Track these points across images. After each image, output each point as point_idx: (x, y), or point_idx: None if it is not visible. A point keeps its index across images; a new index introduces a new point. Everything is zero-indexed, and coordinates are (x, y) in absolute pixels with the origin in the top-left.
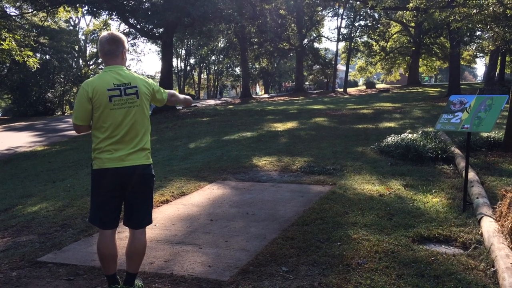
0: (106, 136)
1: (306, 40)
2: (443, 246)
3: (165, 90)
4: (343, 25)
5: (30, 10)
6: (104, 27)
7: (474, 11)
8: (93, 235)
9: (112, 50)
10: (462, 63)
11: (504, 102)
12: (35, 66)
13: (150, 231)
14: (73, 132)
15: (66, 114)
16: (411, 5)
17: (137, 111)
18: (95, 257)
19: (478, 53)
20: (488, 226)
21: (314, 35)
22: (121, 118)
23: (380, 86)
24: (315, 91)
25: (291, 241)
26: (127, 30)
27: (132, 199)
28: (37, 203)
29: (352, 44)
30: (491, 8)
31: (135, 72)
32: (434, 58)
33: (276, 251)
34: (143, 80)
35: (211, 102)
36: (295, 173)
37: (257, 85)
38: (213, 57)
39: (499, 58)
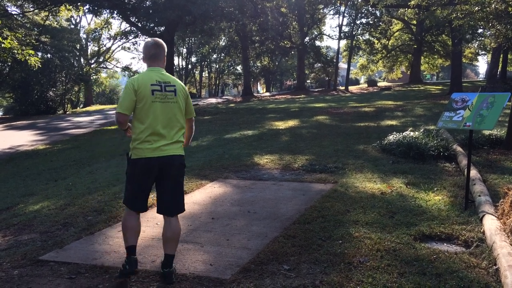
0: (147, 126)
1: (307, 38)
2: (445, 244)
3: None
4: (345, 23)
5: (32, 9)
6: (106, 25)
7: (476, 8)
8: (94, 234)
9: (157, 54)
10: (464, 60)
11: (506, 100)
12: (36, 65)
13: (152, 230)
14: (74, 131)
15: (67, 112)
16: (412, 2)
17: (174, 107)
18: (96, 256)
19: (480, 51)
20: (490, 224)
21: (316, 33)
22: (161, 111)
23: (381, 84)
24: (316, 89)
25: (292, 239)
26: (128, 28)
27: (166, 187)
28: (39, 201)
29: (354, 42)
30: (493, 6)
31: (137, 70)
32: (436, 56)
33: (278, 249)
34: (181, 83)
35: (213, 100)
36: (296, 171)
37: (258, 83)
38: (215, 56)
39: (501, 55)
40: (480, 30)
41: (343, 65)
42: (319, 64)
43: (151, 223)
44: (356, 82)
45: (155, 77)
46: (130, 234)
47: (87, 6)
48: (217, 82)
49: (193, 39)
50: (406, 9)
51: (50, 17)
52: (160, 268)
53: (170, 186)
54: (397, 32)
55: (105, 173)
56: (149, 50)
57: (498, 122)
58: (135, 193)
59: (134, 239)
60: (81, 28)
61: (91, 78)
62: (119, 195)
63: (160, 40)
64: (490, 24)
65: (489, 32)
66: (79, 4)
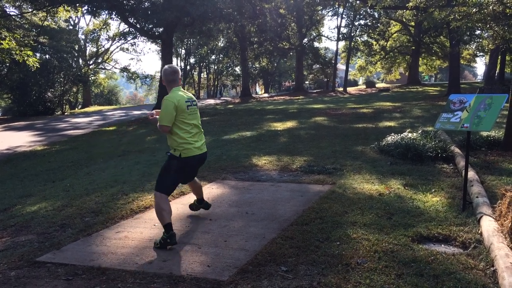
0: (188, 131)
1: (306, 39)
2: (442, 245)
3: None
4: (343, 24)
5: (30, 10)
6: (104, 26)
7: (474, 10)
8: (92, 235)
9: (175, 79)
10: (462, 62)
11: (503, 101)
12: (35, 65)
13: (149, 231)
14: (73, 132)
15: (66, 113)
16: (410, 4)
17: (198, 116)
18: (94, 257)
19: (478, 52)
20: (488, 226)
21: (314, 34)
22: (194, 120)
23: (380, 85)
24: (315, 91)
25: (290, 240)
26: (127, 29)
27: (195, 172)
28: (36, 202)
29: (352, 43)
30: (490, 7)
31: (135, 71)
32: (434, 57)
33: (275, 250)
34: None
35: (211, 101)
36: (294, 173)
37: (257, 84)
38: (213, 57)
39: (499, 57)
40: (478, 32)
41: (341, 66)
42: (318, 65)
43: (149, 224)
44: (355, 83)
45: (184, 95)
46: (167, 214)
47: (86, 7)
48: (216, 83)
49: (191, 40)
50: (404, 10)
51: (49, 18)
52: (195, 209)
53: (196, 171)
54: (395, 34)
55: (103, 174)
56: (169, 76)
57: (496, 124)
58: (176, 183)
59: (170, 217)
60: (79, 29)
61: (90, 79)
62: (117, 196)
63: (176, 67)
64: (488, 26)
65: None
66: (77, 5)
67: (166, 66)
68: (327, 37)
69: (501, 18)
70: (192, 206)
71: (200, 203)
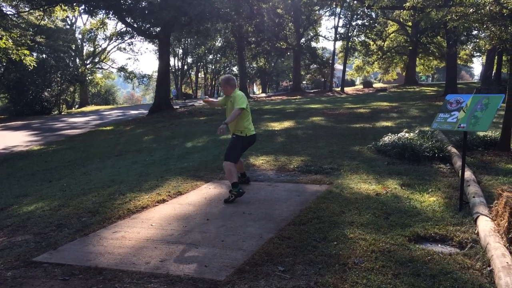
0: (249, 119)
1: (303, 39)
2: (439, 245)
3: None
4: (340, 24)
5: (27, 9)
6: (101, 26)
7: (471, 10)
8: (88, 235)
9: (235, 84)
10: (459, 62)
11: (500, 102)
12: (31, 65)
13: (146, 231)
14: (70, 132)
15: (63, 113)
16: (408, 4)
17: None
18: (90, 257)
19: (474, 53)
20: (484, 225)
21: (312, 34)
22: (249, 110)
23: (377, 85)
24: (312, 90)
25: (287, 240)
26: (124, 29)
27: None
28: (33, 202)
29: (350, 43)
30: (487, 7)
31: (132, 71)
32: (431, 57)
33: (273, 250)
34: None
35: None
36: (291, 172)
37: (254, 84)
38: (211, 56)
39: (496, 57)
40: (474, 32)
41: (338, 66)
42: (315, 65)
43: (146, 224)
44: (352, 83)
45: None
46: (236, 175)
47: (83, 7)
48: (213, 83)
49: (189, 39)
50: (402, 10)
51: (45, 17)
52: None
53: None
54: (393, 34)
55: (100, 174)
56: (234, 82)
57: (492, 124)
58: (240, 156)
59: (237, 177)
60: (76, 29)
61: (87, 78)
62: (114, 196)
63: (232, 76)
64: (484, 26)
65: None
66: (74, 4)
67: (229, 75)
68: (324, 37)
69: (498, 19)
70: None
71: (243, 177)
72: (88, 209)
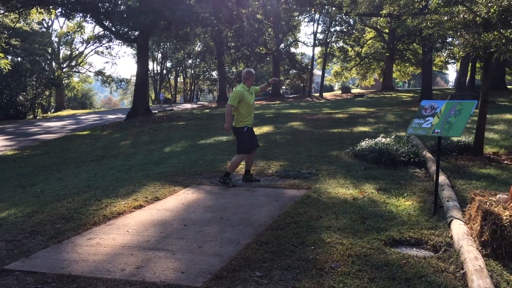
0: (248, 113)
1: (282, 44)
2: (414, 249)
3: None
4: (319, 30)
5: (1, 11)
6: (78, 29)
7: (445, 18)
8: (62, 242)
9: (248, 77)
10: (434, 69)
11: (473, 107)
12: (6, 68)
13: (122, 237)
14: (45, 136)
15: (38, 117)
16: (384, 11)
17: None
18: (64, 265)
19: (449, 59)
20: (458, 229)
21: (291, 40)
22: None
23: (355, 91)
24: (291, 96)
25: (265, 245)
26: (102, 32)
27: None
28: (6, 209)
29: (328, 49)
30: (461, 16)
31: (110, 75)
32: (407, 64)
33: (250, 256)
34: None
35: (188, 106)
36: (270, 177)
37: (234, 88)
38: (190, 61)
39: (470, 64)
40: (449, 39)
41: (317, 71)
42: (294, 71)
43: (122, 230)
44: (331, 88)
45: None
46: (236, 167)
47: (59, 9)
48: (192, 87)
49: (168, 44)
50: (378, 18)
51: (21, 19)
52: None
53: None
54: (370, 40)
55: (75, 180)
56: (250, 74)
57: (466, 129)
58: (250, 145)
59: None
60: (53, 32)
61: (63, 82)
62: (89, 202)
63: (252, 70)
64: (458, 34)
65: (457, 41)
66: (51, 7)
67: (247, 69)
68: (303, 42)
69: (471, 26)
70: (243, 178)
71: (246, 174)
72: (63, 215)
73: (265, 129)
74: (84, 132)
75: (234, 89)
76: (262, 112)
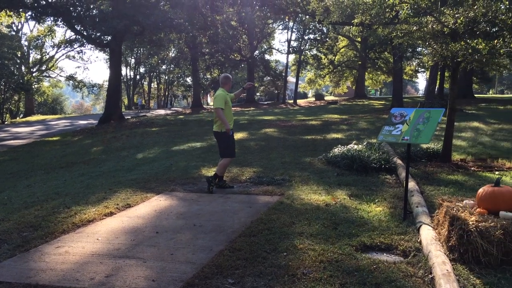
0: (230, 117)
1: (257, 51)
2: (384, 254)
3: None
4: (293, 38)
5: None
6: (49, 33)
7: (414, 28)
8: (29, 251)
9: (226, 82)
10: (405, 77)
11: (440, 115)
12: None
13: (92, 245)
14: (13, 142)
15: (6, 123)
16: (356, 20)
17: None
18: (31, 274)
19: (419, 68)
20: (427, 234)
21: (265, 47)
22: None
23: (328, 98)
24: (266, 102)
25: (238, 252)
26: (74, 36)
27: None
28: None
29: (302, 56)
30: (430, 26)
31: (82, 80)
32: (379, 72)
33: (223, 263)
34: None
35: (161, 111)
36: (244, 184)
37: (208, 95)
38: (164, 67)
39: (439, 73)
40: (419, 49)
41: (291, 79)
42: (269, 78)
43: (92, 238)
44: (304, 95)
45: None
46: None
47: (30, 13)
48: (166, 93)
49: (141, 49)
50: (351, 26)
51: None
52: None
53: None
54: (343, 49)
55: (44, 187)
56: (222, 79)
57: (435, 136)
58: (234, 148)
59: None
60: (22, 35)
61: (33, 87)
62: (58, 209)
63: (229, 75)
64: (427, 43)
65: (426, 51)
66: (21, 10)
67: (224, 74)
68: (277, 50)
69: (440, 36)
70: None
71: (219, 181)
72: (30, 223)
73: (239, 135)
74: (54, 138)
75: (216, 93)
76: (237, 118)
